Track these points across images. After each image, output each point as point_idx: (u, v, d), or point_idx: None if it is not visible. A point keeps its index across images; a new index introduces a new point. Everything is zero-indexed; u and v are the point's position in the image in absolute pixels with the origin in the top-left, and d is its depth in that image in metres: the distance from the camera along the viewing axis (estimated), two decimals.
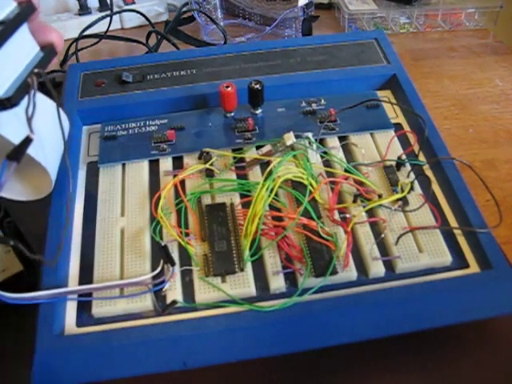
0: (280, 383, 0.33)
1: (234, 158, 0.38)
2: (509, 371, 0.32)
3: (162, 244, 0.32)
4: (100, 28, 0.65)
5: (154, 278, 0.32)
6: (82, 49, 0.63)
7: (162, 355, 0.30)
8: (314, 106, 0.43)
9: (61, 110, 0.33)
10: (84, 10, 0.70)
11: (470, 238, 0.34)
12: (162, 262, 0.32)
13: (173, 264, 0.32)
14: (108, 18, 0.66)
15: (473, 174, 0.36)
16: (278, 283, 0.32)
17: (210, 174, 0.37)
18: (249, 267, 0.33)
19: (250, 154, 0.39)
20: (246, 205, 0.35)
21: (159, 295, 0.32)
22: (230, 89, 0.40)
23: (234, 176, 0.38)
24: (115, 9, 0.70)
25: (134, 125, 0.41)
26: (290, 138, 0.37)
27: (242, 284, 0.32)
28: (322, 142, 0.40)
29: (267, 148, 0.38)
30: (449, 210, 0.36)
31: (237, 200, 0.36)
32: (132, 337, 0.30)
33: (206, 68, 0.46)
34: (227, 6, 0.72)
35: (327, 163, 0.39)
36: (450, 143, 0.39)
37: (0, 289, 0.29)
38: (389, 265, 0.33)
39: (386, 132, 0.41)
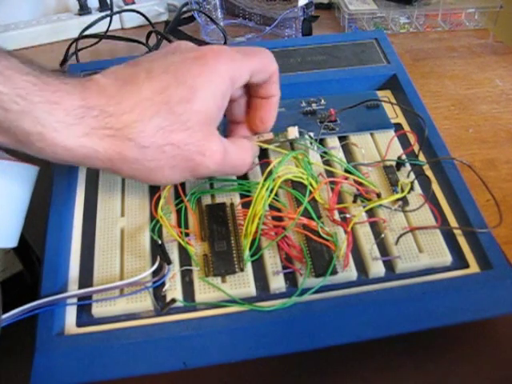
0: (280, 383, 0.33)
1: None
2: (509, 371, 0.32)
3: (159, 242, 0.32)
4: (100, 28, 0.65)
5: (152, 275, 0.32)
6: (81, 49, 0.63)
7: (162, 355, 0.30)
8: (314, 105, 0.43)
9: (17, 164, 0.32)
10: (84, 10, 0.70)
11: (470, 238, 0.34)
12: (158, 259, 0.32)
13: (168, 263, 0.32)
14: (108, 18, 0.66)
15: (473, 174, 0.36)
16: (278, 283, 0.32)
17: None
18: (249, 267, 0.33)
19: None
20: (246, 205, 0.35)
21: (159, 295, 0.32)
22: None
23: (233, 176, 0.38)
24: (115, 9, 0.70)
25: None
26: (293, 132, 0.37)
27: (242, 284, 0.32)
28: (322, 142, 0.40)
29: (269, 135, 0.37)
30: (449, 210, 0.36)
31: (237, 200, 0.36)
32: (132, 337, 0.30)
33: None
34: (227, 6, 0.72)
35: (327, 163, 0.39)
36: (450, 143, 0.39)
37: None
38: (389, 265, 0.33)
39: (385, 132, 0.41)
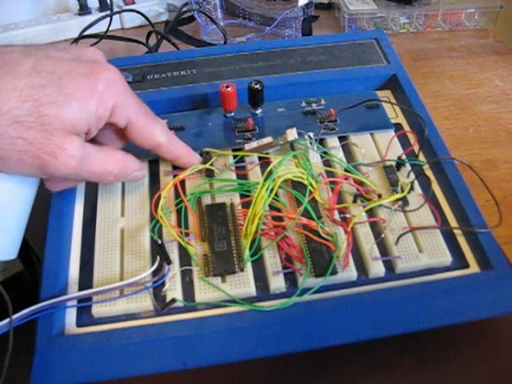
0: (280, 383, 0.33)
1: (234, 157, 0.38)
2: (509, 371, 0.32)
3: (159, 242, 0.32)
4: (100, 28, 0.65)
5: (152, 275, 0.32)
6: None
7: (162, 355, 0.30)
8: (314, 105, 0.43)
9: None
10: (84, 10, 0.70)
11: (470, 238, 0.34)
12: (158, 259, 0.32)
13: (168, 263, 0.32)
14: (108, 18, 0.66)
15: (473, 174, 0.36)
16: (278, 283, 0.32)
17: (210, 174, 0.37)
18: (249, 267, 0.33)
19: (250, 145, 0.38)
20: (246, 205, 0.35)
21: (159, 295, 0.32)
22: (230, 89, 0.40)
23: (234, 176, 0.38)
24: (115, 9, 0.70)
25: None
26: (292, 134, 0.37)
27: (242, 284, 0.32)
28: (322, 142, 0.40)
29: (268, 139, 0.38)
30: (449, 210, 0.36)
31: (237, 200, 0.36)
32: (132, 337, 0.30)
33: (206, 68, 0.46)
34: (227, 5, 0.72)
35: (327, 163, 0.39)
36: (450, 143, 0.39)
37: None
38: (389, 265, 0.33)
39: (385, 132, 0.41)
